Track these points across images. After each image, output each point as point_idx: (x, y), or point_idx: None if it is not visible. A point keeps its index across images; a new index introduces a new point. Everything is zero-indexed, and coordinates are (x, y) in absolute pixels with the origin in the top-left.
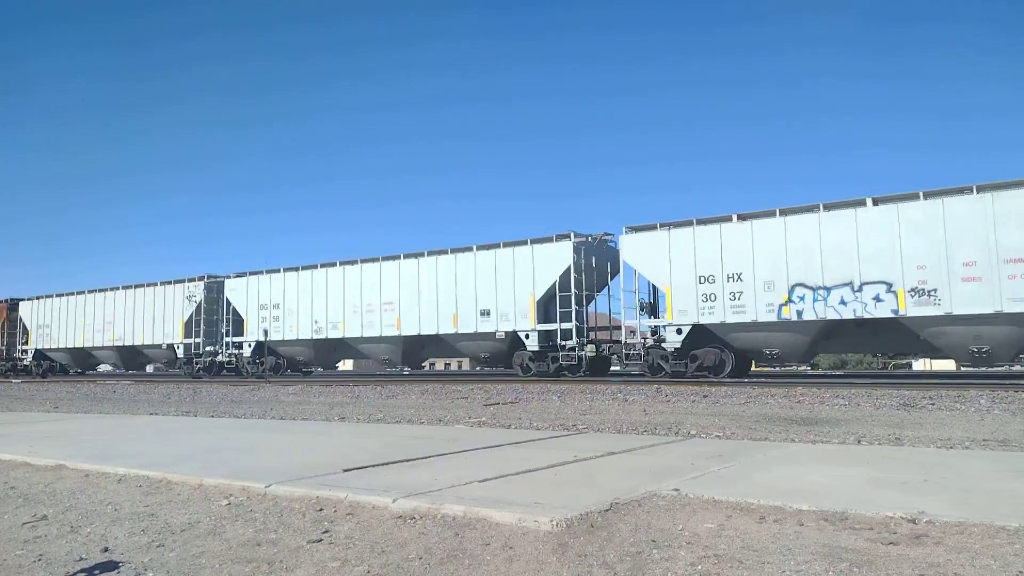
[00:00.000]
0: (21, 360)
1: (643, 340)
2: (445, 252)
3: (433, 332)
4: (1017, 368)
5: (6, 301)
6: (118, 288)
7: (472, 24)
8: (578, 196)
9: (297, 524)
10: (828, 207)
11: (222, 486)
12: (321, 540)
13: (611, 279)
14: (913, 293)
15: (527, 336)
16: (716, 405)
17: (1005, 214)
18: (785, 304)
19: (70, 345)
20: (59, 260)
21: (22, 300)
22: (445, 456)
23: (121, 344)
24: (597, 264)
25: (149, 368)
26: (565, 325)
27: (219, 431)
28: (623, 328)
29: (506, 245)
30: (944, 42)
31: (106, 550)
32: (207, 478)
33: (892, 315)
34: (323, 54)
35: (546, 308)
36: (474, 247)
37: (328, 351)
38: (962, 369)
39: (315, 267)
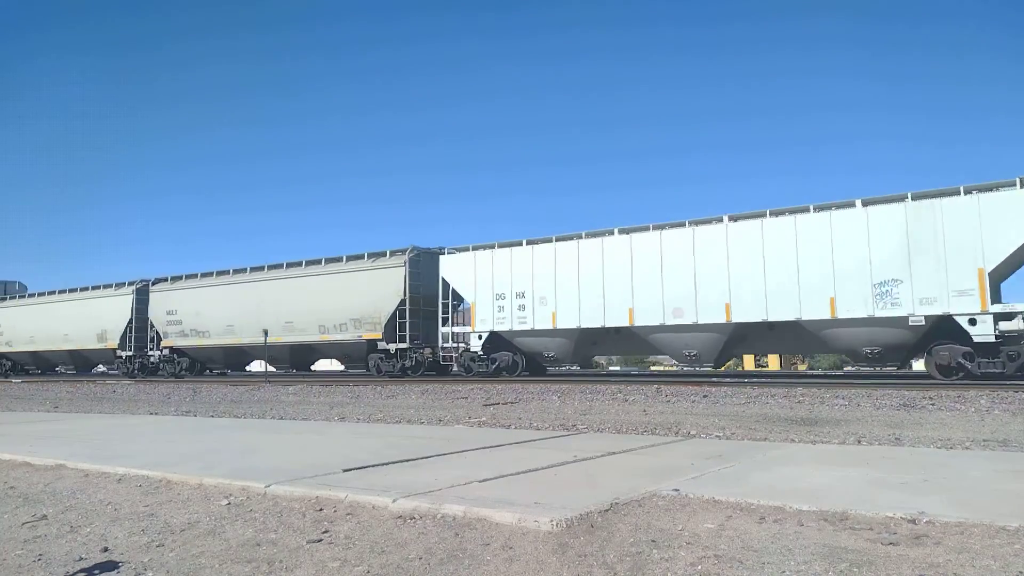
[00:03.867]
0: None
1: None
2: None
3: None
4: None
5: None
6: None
7: (471, 24)
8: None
9: (297, 524)
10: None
11: (222, 486)
12: (321, 540)
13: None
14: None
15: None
16: (716, 405)
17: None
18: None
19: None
20: (68, 256)
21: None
22: (445, 456)
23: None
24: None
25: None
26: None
27: (219, 431)
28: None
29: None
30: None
31: (106, 550)
32: (207, 478)
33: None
34: (324, 55)
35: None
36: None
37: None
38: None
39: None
